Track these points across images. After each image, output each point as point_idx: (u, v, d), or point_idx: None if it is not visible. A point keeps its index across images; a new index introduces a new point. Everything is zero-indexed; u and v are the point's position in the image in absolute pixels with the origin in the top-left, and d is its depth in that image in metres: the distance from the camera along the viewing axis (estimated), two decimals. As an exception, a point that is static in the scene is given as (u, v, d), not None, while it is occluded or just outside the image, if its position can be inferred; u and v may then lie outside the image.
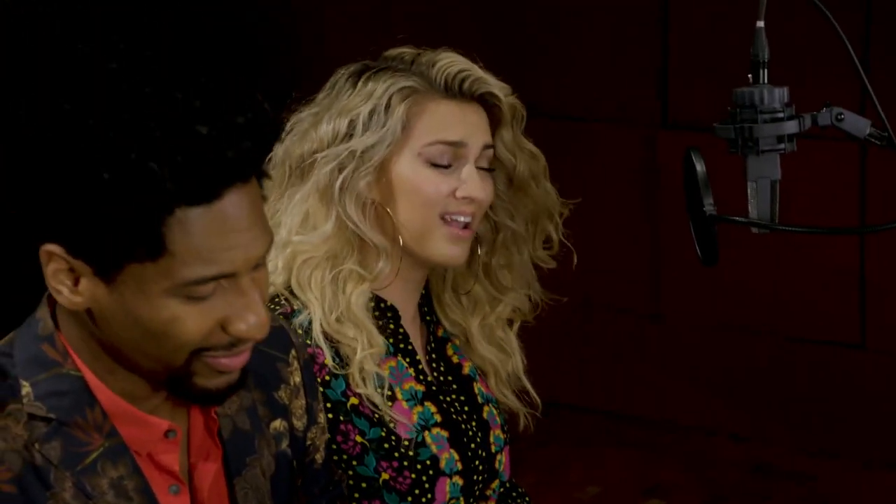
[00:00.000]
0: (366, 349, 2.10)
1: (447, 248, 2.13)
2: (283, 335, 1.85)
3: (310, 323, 2.09)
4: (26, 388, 1.61)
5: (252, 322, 1.57)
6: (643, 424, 4.69)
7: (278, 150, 2.18)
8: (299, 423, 1.84)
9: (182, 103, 1.49)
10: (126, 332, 1.57)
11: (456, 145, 2.13)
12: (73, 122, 1.48)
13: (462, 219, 2.12)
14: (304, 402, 1.85)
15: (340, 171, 2.12)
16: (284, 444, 1.81)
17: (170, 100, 1.49)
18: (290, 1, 5.16)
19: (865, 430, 4.34)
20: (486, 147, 2.16)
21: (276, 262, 2.13)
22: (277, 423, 1.81)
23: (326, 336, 2.10)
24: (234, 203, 1.53)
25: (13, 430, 1.59)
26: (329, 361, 2.09)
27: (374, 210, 2.14)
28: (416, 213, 2.12)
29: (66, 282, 1.56)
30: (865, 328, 4.29)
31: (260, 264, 1.60)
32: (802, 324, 4.39)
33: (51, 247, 1.54)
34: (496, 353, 2.28)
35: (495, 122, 2.19)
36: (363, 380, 2.10)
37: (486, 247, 2.24)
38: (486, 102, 2.17)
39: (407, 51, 2.20)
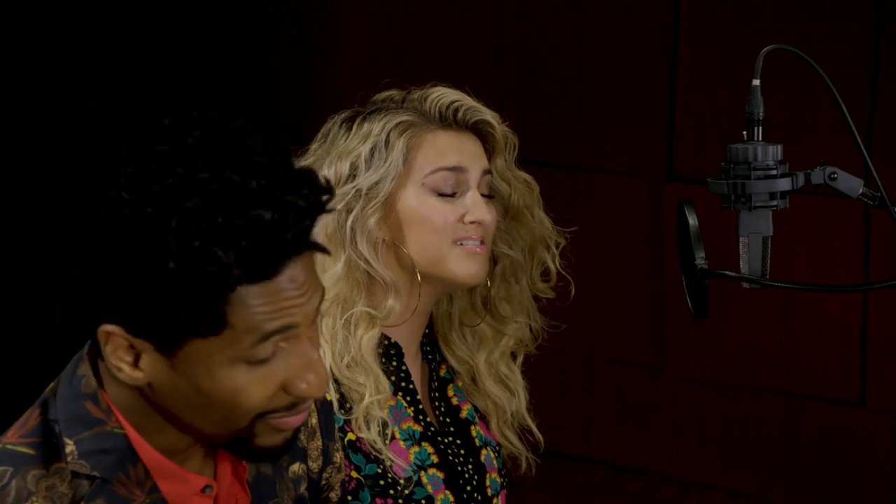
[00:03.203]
0: (373, 395, 2.12)
1: (466, 266, 2.16)
2: None
3: None
4: (70, 447, 1.62)
5: (313, 381, 1.60)
6: (643, 477, 4.68)
7: None
8: (314, 465, 1.87)
9: (240, 186, 1.51)
10: (189, 403, 1.59)
11: (457, 170, 2.16)
12: (133, 210, 1.50)
13: (472, 242, 2.15)
14: (319, 443, 1.87)
15: (349, 211, 2.15)
16: (303, 488, 1.84)
17: (228, 184, 1.51)
18: (306, 46, 5.19)
19: (864, 488, 4.32)
20: (486, 172, 2.19)
21: None
22: (296, 467, 1.83)
23: (333, 378, 2.12)
24: (290, 276, 1.56)
25: (59, 489, 1.60)
26: (335, 402, 2.10)
27: (385, 248, 2.16)
28: (427, 243, 2.15)
29: (126, 359, 1.58)
30: (865, 387, 4.27)
31: (314, 321, 1.62)
32: (804, 381, 4.38)
33: (110, 327, 1.56)
34: (501, 392, 2.30)
35: (489, 151, 2.23)
36: (367, 423, 2.12)
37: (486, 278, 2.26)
38: (480, 131, 2.21)
39: (395, 92, 2.24)
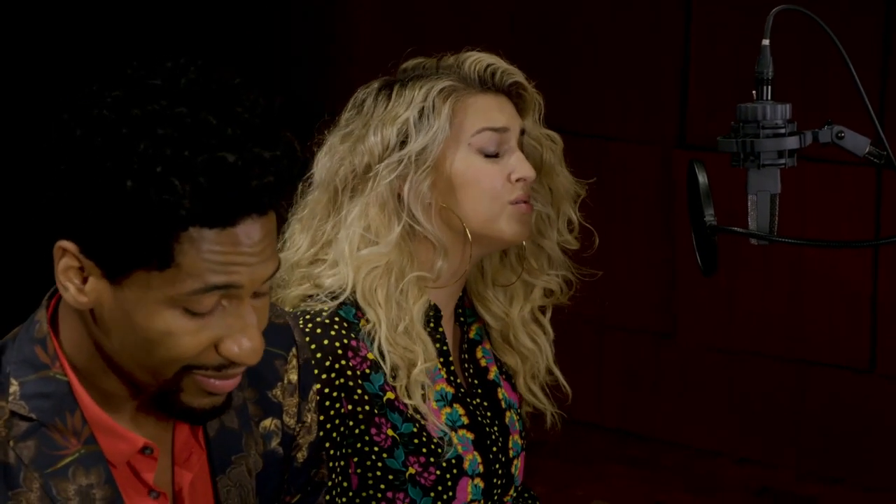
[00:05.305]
0: (423, 363, 2.15)
1: (515, 226, 2.21)
2: (286, 333, 1.88)
3: (374, 334, 2.15)
4: (14, 387, 1.65)
5: (245, 346, 1.61)
6: (652, 443, 4.71)
7: (317, 173, 2.24)
8: (291, 421, 1.87)
9: (215, 129, 1.54)
10: (123, 338, 1.61)
11: (501, 131, 2.21)
12: (109, 129, 1.54)
13: (522, 203, 2.21)
14: (297, 400, 1.88)
15: (402, 179, 2.17)
16: (275, 443, 1.84)
17: (203, 123, 1.54)
18: (319, 13, 5.20)
19: (871, 454, 4.34)
20: (522, 133, 2.23)
21: (345, 276, 2.17)
22: (268, 422, 1.84)
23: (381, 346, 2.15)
24: (246, 231, 1.57)
25: None
26: (386, 369, 2.13)
27: (436, 211, 2.19)
28: (478, 204, 2.19)
29: (74, 280, 1.60)
30: (875, 353, 4.30)
31: (262, 293, 1.63)
32: (813, 347, 4.40)
33: (66, 243, 1.58)
34: (532, 345, 2.34)
35: (520, 112, 2.26)
36: (413, 390, 2.15)
37: None
38: (512, 93, 2.25)
39: (425, 59, 2.26)
